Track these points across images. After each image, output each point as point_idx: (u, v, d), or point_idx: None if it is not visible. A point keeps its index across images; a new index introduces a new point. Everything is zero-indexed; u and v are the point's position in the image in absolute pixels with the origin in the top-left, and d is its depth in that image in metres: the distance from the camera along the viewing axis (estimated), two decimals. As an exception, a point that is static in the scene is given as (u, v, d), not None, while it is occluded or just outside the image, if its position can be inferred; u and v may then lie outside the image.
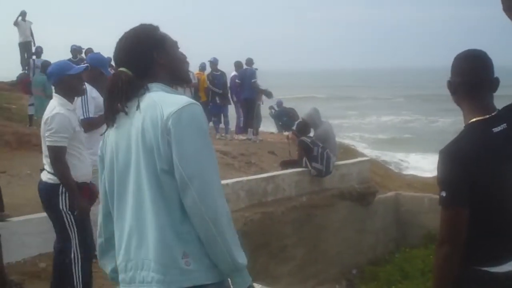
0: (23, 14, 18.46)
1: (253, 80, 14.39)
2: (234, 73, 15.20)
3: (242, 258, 2.15)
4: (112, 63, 2.78)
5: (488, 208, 2.45)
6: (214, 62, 14.44)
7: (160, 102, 2.15)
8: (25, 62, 18.90)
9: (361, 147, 24.42)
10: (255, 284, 2.36)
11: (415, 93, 62.54)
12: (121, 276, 2.26)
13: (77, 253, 4.45)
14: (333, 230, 10.25)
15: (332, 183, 10.42)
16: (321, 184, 10.19)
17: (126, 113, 2.22)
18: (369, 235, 11.16)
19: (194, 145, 2.08)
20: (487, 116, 2.50)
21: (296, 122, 12.09)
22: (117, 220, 2.28)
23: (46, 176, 4.55)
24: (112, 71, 3.24)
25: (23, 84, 17.24)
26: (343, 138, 26.46)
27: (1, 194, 5.97)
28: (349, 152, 15.85)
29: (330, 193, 10.28)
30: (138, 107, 2.19)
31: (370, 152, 21.19)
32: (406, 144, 27.92)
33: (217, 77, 14.43)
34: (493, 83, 2.56)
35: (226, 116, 14.97)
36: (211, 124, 15.24)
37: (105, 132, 2.38)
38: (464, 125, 2.57)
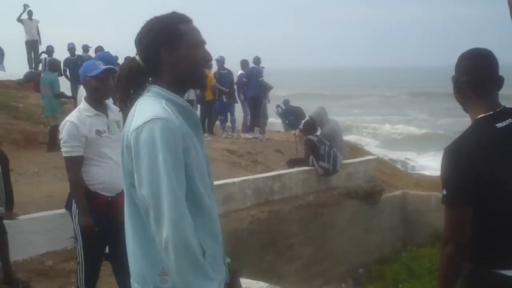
0: (29, 13, 18.50)
1: (260, 79, 14.40)
2: (241, 71, 15.22)
3: None
4: (119, 61, 2.74)
5: (495, 205, 2.43)
6: (221, 61, 14.42)
7: (136, 112, 2.02)
8: (31, 61, 18.99)
9: (373, 145, 24.44)
10: (261, 283, 2.33)
11: (419, 91, 62.07)
12: None
13: (81, 257, 4.37)
14: (340, 228, 10.23)
15: (339, 182, 10.40)
16: (328, 182, 10.17)
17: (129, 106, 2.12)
18: (376, 234, 11.13)
19: (148, 165, 1.90)
20: (491, 112, 2.48)
21: (303, 121, 12.07)
22: None
23: None
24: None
25: (35, 82, 17.37)
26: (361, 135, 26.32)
27: (12, 194, 5.99)
28: (356, 150, 15.83)
29: (337, 192, 10.26)
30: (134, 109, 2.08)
31: (378, 151, 21.16)
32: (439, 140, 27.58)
33: (224, 75, 14.42)
34: (498, 82, 2.54)
35: (232, 115, 14.97)
36: (217, 123, 15.29)
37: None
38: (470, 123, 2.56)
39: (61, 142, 4.26)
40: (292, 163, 10.41)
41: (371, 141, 29.41)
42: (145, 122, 1.92)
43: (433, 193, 11.90)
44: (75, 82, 14.88)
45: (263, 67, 14.80)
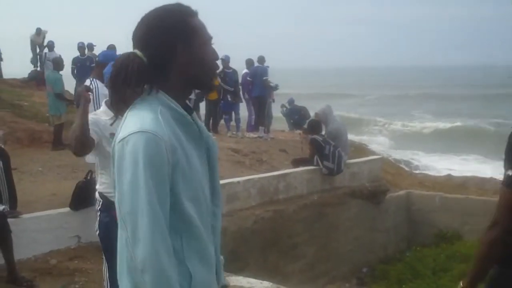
0: (37, 30, 19.35)
1: (264, 78, 14.37)
2: (245, 70, 15.21)
3: None
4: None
5: None
6: (226, 60, 14.40)
7: (125, 121, 1.86)
8: (36, 59, 19.12)
9: (381, 144, 24.42)
10: (265, 282, 2.28)
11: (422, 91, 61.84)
12: None
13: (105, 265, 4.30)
14: (344, 228, 10.22)
15: (344, 182, 10.39)
16: (333, 182, 10.15)
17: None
18: (380, 234, 11.11)
19: (130, 180, 1.75)
20: None
21: (308, 120, 12.07)
22: None
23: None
24: None
25: (37, 80, 17.45)
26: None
27: (15, 192, 6.00)
28: (361, 150, 15.81)
29: (342, 192, 10.25)
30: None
31: (383, 150, 21.11)
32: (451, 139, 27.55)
33: (228, 74, 14.41)
34: None
35: (237, 114, 14.98)
36: (222, 122, 15.29)
37: (112, 123, 2.12)
38: None
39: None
40: (297, 162, 10.40)
41: (380, 139, 29.47)
42: (130, 134, 1.77)
43: (438, 193, 11.88)
44: (81, 82, 14.87)
45: (268, 66, 14.78)
